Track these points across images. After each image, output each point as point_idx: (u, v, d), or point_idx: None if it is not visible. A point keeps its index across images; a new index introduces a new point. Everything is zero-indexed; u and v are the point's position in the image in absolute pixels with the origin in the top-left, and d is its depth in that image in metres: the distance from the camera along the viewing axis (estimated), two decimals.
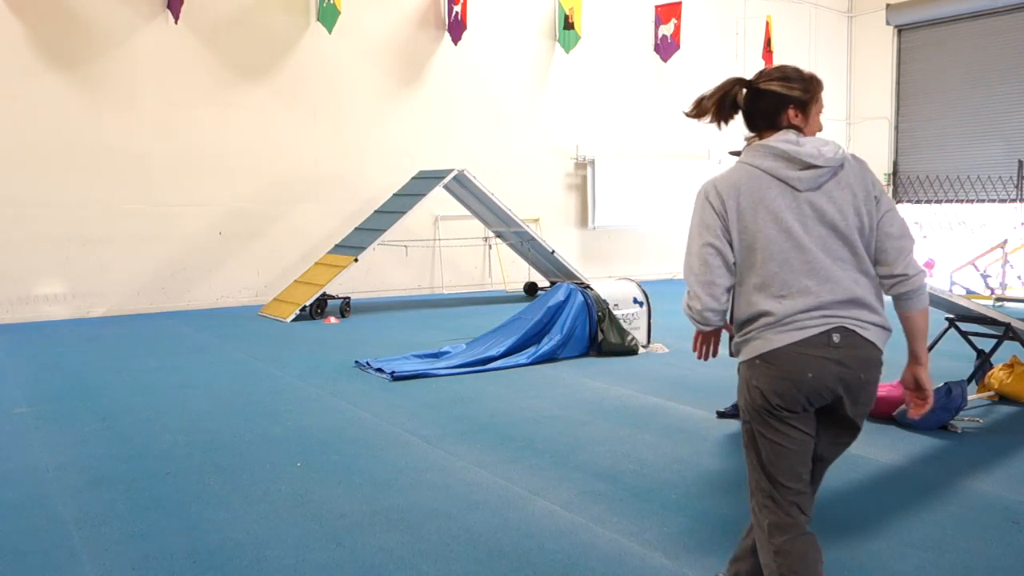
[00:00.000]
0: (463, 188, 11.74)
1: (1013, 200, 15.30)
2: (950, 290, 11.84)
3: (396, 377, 6.92)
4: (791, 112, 2.67)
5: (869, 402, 2.66)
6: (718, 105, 2.73)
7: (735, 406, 5.79)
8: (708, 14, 15.80)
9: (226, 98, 11.37)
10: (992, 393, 6.12)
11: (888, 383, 5.95)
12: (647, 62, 15.12)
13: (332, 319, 10.30)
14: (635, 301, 8.39)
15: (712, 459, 5.00)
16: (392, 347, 8.32)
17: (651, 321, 8.42)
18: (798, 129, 2.67)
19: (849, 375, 2.58)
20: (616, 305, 8.24)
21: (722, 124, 2.76)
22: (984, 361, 6.27)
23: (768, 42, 15.69)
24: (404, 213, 11.07)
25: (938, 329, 6.38)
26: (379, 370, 7.18)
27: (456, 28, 12.65)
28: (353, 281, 11.67)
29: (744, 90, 2.73)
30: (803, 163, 2.59)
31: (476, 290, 13.50)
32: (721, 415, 5.81)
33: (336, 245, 11.40)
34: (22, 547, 3.69)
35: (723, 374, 6.90)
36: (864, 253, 2.62)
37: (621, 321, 8.16)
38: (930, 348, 6.29)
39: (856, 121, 17.80)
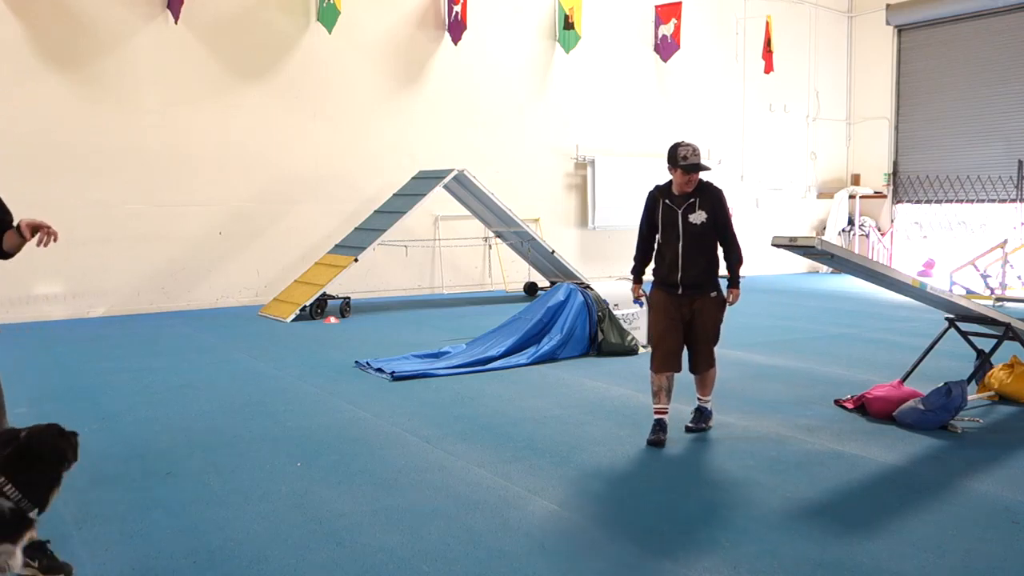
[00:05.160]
0: (463, 188, 11.74)
1: (1013, 200, 15.30)
2: (950, 290, 11.84)
3: (396, 377, 6.92)
4: None
5: None
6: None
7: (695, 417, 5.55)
8: (708, 14, 15.80)
9: (226, 98, 11.37)
10: (992, 393, 6.12)
11: (888, 383, 5.98)
12: (647, 62, 15.12)
13: (332, 319, 10.30)
14: (635, 301, 8.38)
15: (712, 459, 5.00)
16: (392, 347, 8.32)
17: None
18: None
19: None
20: (616, 305, 8.24)
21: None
22: (984, 361, 6.26)
23: (768, 42, 15.68)
24: (404, 213, 11.07)
25: (938, 329, 6.39)
26: (379, 370, 7.18)
27: (456, 28, 12.65)
28: (353, 281, 11.68)
29: None
30: None
31: (476, 290, 13.49)
32: (689, 430, 5.44)
33: (336, 245, 11.40)
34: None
35: (722, 374, 6.90)
36: None
37: (621, 321, 8.16)
38: (930, 348, 6.30)
39: (856, 121, 17.80)
